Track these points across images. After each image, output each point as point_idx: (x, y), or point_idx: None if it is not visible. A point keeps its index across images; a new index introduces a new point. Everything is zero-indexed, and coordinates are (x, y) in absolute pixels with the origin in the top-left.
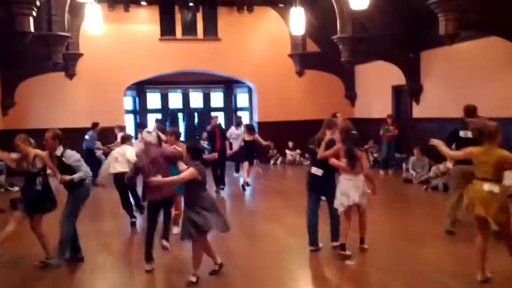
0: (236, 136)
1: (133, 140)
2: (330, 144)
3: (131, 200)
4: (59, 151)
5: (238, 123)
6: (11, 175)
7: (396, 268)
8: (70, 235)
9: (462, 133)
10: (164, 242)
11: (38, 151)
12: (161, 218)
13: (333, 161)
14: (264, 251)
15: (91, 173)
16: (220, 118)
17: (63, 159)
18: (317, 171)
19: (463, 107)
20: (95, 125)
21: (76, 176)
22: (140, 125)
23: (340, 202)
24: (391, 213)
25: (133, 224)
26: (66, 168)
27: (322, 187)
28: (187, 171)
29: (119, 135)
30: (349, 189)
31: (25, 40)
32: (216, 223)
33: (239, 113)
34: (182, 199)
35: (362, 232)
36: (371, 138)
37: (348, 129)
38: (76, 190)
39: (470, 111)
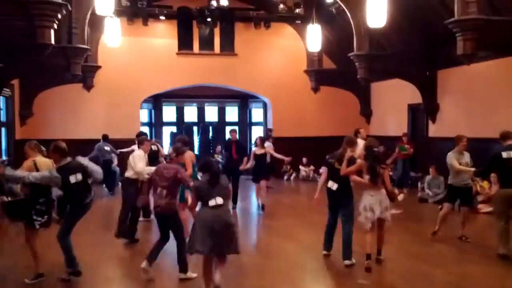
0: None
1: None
2: (351, 162)
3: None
4: (63, 164)
5: (269, 137)
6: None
7: None
8: (69, 249)
9: (505, 154)
10: (182, 275)
11: (40, 160)
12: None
13: (354, 178)
14: (276, 268)
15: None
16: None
17: None
18: (332, 185)
19: (500, 133)
20: (107, 136)
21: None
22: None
23: (365, 216)
24: (406, 233)
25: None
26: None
27: (337, 201)
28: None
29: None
30: (373, 205)
31: (46, 52)
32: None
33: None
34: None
35: (380, 244)
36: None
37: (370, 146)
38: (72, 208)
39: (508, 136)
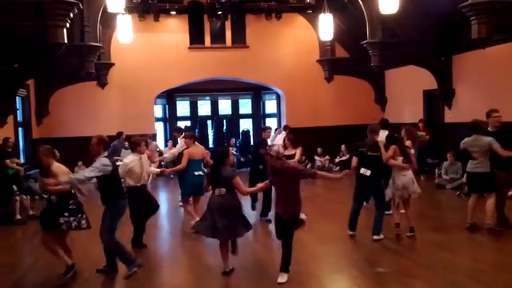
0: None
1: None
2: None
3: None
4: (105, 155)
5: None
6: None
7: (432, 276)
8: (117, 247)
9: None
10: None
11: (60, 167)
12: None
13: (392, 162)
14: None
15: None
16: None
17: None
18: (365, 171)
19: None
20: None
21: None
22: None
23: (400, 195)
24: (424, 220)
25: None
26: (107, 176)
27: (370, 187)
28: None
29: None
30: (407, 183)
31: (59, 51)
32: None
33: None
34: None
35: (410, 221)
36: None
37: (391, 134)
38: (112, 204)
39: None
